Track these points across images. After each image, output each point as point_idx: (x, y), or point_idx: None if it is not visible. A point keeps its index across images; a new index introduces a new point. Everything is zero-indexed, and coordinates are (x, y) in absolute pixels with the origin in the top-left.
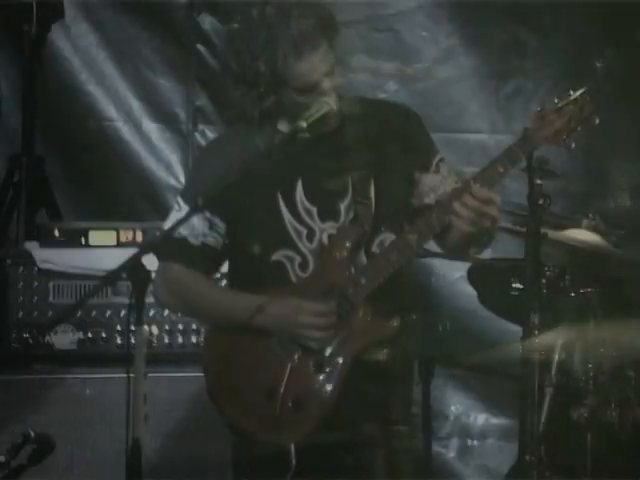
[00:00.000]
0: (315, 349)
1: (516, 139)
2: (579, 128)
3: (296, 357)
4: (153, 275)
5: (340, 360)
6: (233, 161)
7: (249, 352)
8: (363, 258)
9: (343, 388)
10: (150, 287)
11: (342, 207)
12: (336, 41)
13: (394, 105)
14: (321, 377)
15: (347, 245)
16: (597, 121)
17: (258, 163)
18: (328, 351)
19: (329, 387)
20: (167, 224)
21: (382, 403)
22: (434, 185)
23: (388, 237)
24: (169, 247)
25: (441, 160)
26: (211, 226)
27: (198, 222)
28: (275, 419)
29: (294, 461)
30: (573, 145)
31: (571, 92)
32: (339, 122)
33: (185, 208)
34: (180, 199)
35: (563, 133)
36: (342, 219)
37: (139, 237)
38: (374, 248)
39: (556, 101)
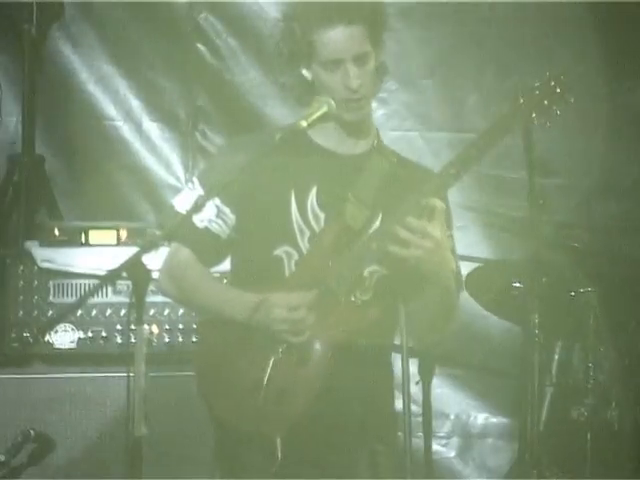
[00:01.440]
0: (293, 342)
1: (494, 123)
2: (554, 107)
3: (280, 351)
4: (154, 274)
5: (323, 352)
6: (254, 156)
7: (237, 347)
8: (347, 252)
9: (327, 380)
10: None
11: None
12: (379, 38)
13: (424, 171)
14: (304, 370)
15: (331, 238)
16: (572, 100)
17: (271, 157)
18: (311, 344)
19: (312, 379)
20: (178, 201)
21: (359, 418)
22: None
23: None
24: (175, 225)
25: (450, 236)
26: (218, 214)
27: (206, 206)
28: (258, 411)
29: (280, 454)
30: (548, 124)
31: (547, 74)
32: (369, 149)
33: (199, 189)
34: (197, 179)
35: (538, 113)
36: None
37: (139, 236)
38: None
39: (530, 83)
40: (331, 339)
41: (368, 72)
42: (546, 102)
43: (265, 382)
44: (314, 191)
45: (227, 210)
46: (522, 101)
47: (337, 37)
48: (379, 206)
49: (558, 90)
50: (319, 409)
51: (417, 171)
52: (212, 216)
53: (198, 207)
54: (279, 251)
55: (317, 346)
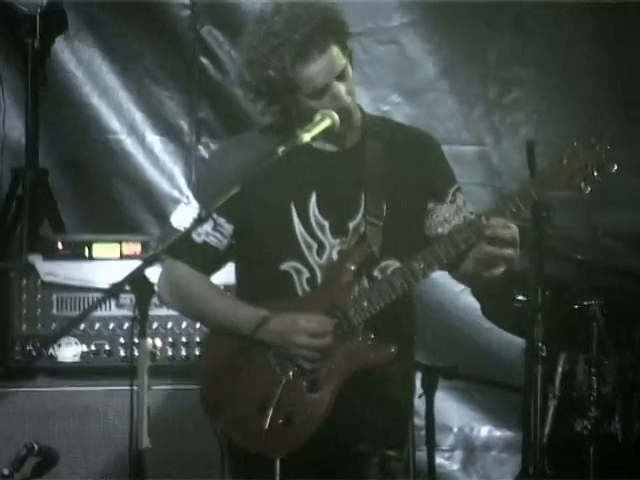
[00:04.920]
0: (308, 369)
1: (532, 180)
2: (595, 173)
3: (291, 374)
4: (156, 287)
5: (334, 381)
6: (247, 165)
7: (245, 364)
8: (366, 280)
9: (335, 408)
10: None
11: (351, 225)
12: (348, 43)
13: (416, 132)
14: (313, 396)
15: (352, 265)
16: (614, 169)
17: (272, 170)
18: (323, 371)
19: (320, 406)
20: (174, 217)
21: (374, 426)
22: (448, 216)
23: (392, 264)
24: (173, 242)
25: (458, 190)
26: (215, 226)
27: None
28: (263, 433)
29: (278, 477)
30: (588, 190)
31: (591, 139)
32: (360, 139)
33: (193, 203)
34: (190, 193)
35: (579, 178)
36: (349, 238)
37: (142, 250)
38: (376, 272)
39: (575, 145)
40: (344, 370)
41: (351, 80)
42: (589, 169)
43: (274, 405)
44: (314, 198)
45: (222, 221)
46: (565, 162)
47: (318, 69)
48: (392, 218)
49: (603, 157)
50: (323, 435)
51: (414, 141)
52: (209, 229)
53: (199, 223)
54: (286, 266)
55: (328, 373)
